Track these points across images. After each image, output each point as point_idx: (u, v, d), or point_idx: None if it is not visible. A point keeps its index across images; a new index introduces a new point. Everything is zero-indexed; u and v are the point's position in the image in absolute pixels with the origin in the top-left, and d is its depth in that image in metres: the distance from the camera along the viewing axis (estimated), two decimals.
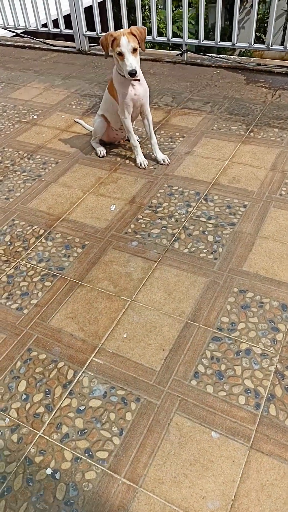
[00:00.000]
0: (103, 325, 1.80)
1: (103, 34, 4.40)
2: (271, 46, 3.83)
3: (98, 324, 1.81)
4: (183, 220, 2.32)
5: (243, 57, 4.27)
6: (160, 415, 1.48)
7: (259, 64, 4.05)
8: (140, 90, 2.55)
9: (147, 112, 2.68)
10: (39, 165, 2.87)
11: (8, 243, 2.26)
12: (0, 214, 2.45)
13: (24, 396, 1.57)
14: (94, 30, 4.46)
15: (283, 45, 3.77)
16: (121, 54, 2.30)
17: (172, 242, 2.18)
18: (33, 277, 2.05)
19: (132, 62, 2.31)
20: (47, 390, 1.59)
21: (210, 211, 2.37)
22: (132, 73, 2.31)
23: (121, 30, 2.34)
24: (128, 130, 2.70)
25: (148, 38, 4.17)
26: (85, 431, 1.46)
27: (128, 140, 3.02)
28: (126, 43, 2.28)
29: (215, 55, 4.33)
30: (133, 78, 2.41)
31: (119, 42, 2.28)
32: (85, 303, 1.90)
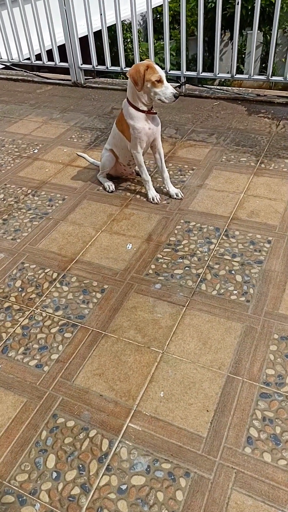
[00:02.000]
0: (136, 382, 1.61)
1: (99, 67, 4.40)
2: (271, 77, 3.83)
3: (129, 381, 1.62)
4: (206, 258, 2.17)
5: (241, 88, 4.27)
6: (216, 493, 1.29)
7: (258, 95, 4.05)
8: (154, 124, 2.46)
9: (159, 146, 2.58)
10: (45, 202, 2.71)
11: (20, 289, 2.07)
12: (8, 256, 2.27)
13: (54, 474, 1.36)
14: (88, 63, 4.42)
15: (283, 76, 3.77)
16: (159, 81, 2.26)
17: (199, 284, 2.03)
18: (50, 327, 1.86)
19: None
20: (80, 465, 1.38)
21: (233, 248, 2.24)
22: (176, 96, 2.27)
23: (143, 62, 2.29)
24: (140, 165, 2.58)
25: None
26: None
27: (137, 174, 2.91)
28: (161, 69, 2.25)
29: (213, 86, 4.32)
30: (151, 112, 2.39)
31: (155, 69, 2.25)
32: (112, 356, 1.72)
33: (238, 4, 3.57)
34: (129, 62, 4.31)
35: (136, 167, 2.77)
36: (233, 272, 2.08)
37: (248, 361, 1.66)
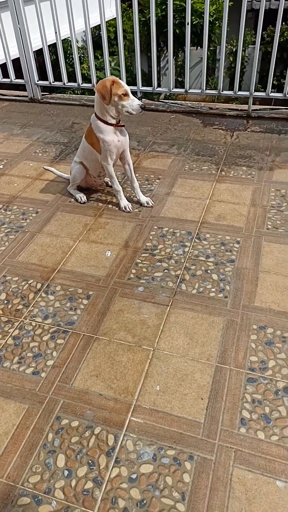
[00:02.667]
0: (132, 379, 1.70)
1: (56, 83, 4.48)
2: (222, 91, 4.09)
3: (126, 379, 1.70)
4: (182, 260, 2.31)
5: (194, 102, 4.51)
6: (219, 471, 1.40)
7: (211, 108, 4.30)
8: (122, 136, 2.58)
9: (128, 157, 2.70)
10: (18, 215, 2.74)
11: (5, 301, 2.09)
12: None
13: (66, 472, 1.41)
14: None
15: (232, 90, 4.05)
16: (125, 94, 2.40)
17: (179, 284, 2.16)
18: (42, 335, 1.91)
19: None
20: (90, 461, 1.44)
21: (206, 249, 2.39)
22: (143, 107, 2.42)
23: (108, 77, 2.41)
24: (111, 176, 2.69)
25: None
26: (144, 501, 1.34)
27: (107, 185, 3.02)
28: (125, 84, 2.41)
29: (169, 101, 4.54)
30: (119, 125, 2.49)
31: (121, 84, 2.39)
32: (106, 357, 1.79)
33: (188, 24, 3.81)
34: (85, 78, 4.44)
35: (106, 178, 2.88)
36: (209, 271, 2.23)
37: (233, 351, 1.80)
